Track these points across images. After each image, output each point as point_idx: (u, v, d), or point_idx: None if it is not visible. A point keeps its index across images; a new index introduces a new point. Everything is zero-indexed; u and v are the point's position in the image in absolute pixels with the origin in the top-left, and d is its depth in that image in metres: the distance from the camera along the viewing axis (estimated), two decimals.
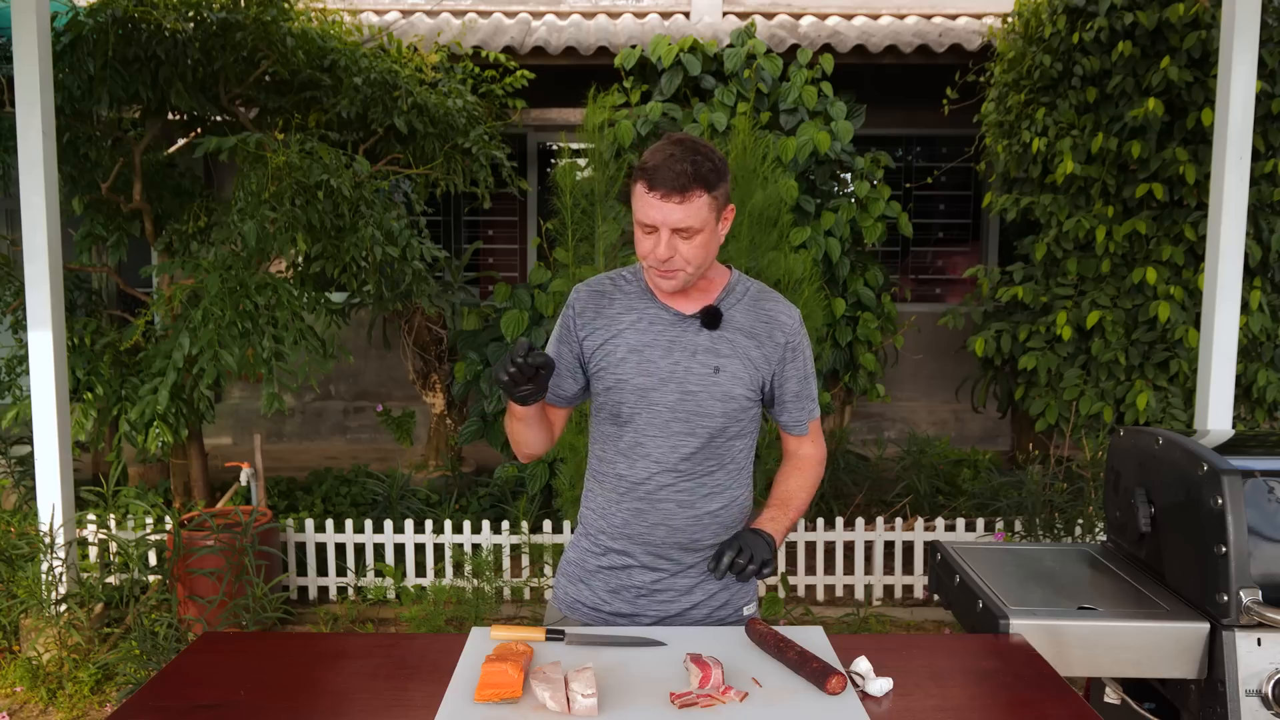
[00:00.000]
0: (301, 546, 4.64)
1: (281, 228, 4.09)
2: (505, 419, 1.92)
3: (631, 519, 1.89)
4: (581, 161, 4.60)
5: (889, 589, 4.73)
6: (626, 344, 1.86)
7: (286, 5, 4.73)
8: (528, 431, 1.87)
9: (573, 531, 2.16)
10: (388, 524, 4.64)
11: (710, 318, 1.86)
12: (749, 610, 2.00)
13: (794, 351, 1.91)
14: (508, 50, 6.03)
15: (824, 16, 7.12)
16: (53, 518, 3.86)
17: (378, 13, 7.02)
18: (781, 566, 4.68)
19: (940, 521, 4.65)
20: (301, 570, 4.64)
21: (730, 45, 5.50)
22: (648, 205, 1.75)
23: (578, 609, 1.96)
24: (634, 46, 5.59)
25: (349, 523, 4.65)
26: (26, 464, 4.92)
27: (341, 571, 4.67)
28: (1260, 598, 1.84)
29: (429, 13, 7.11)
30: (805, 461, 2.00)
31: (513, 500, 5.25)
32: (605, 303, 1.90)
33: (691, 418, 1.85)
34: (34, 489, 3.98)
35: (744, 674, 1.60)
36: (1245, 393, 4.99)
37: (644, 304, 1.89)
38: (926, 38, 6.32)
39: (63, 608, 3.78)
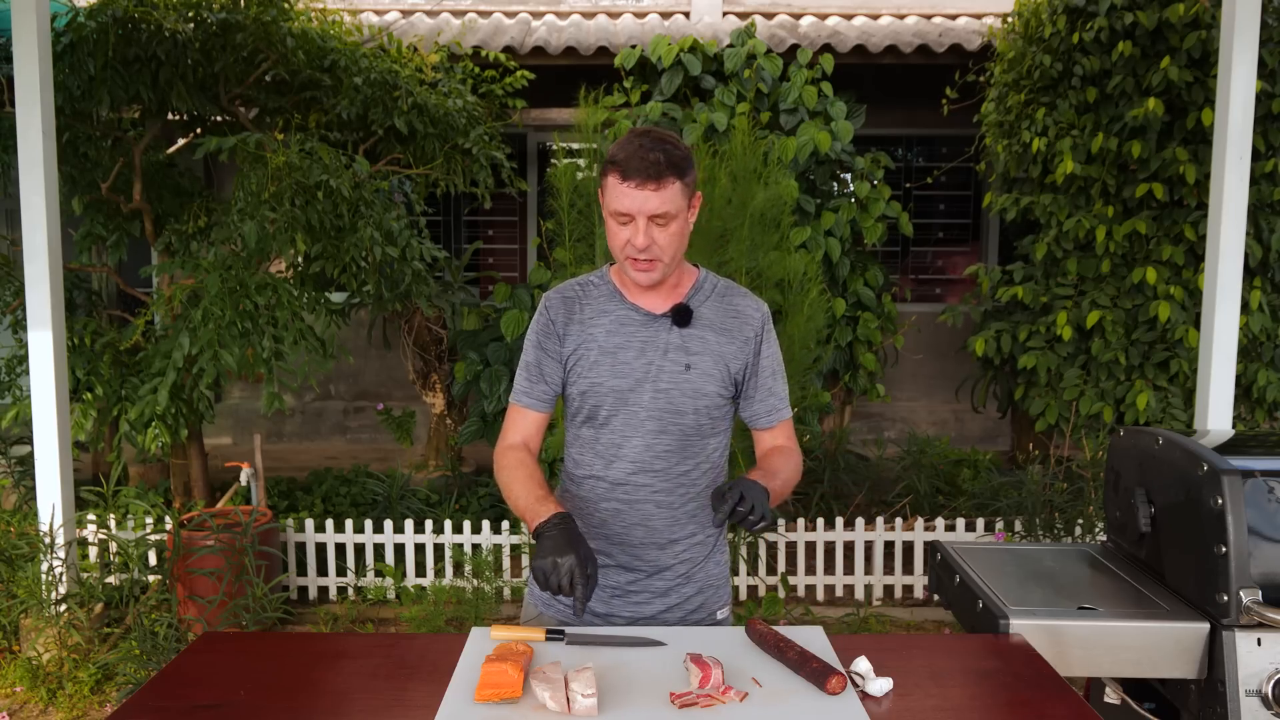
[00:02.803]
0: (301, 546, 4.64)
1: (281, 228, 4.09)
2: (502, 475, 1.87)
3: (610, 519, 1.90)
4: (580, 162, 4.60)
5: (889, 589, 4.73)
6: (599, 346, 1.87)
7: (286, 5, 4.73)
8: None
9: None
10: (388, 524, 4.64)
11: (681, 315, 1.87)
12: (722, 614, 2.00)
13: (762, 344, 1.91)
14: (508, 50, 6.03)
15: (824, 16, 7.11)
16: (53, 518, 3.86)
17: (378, 13, 7.02)
18: (781, 566, 4.68)
19: (940, 521, 4.65)
20: (301, 570, 4.64)
21: (730, 45, 5.50)
22: (622, 195, 1.75)
23: (553, 605, 1.96)
24: (634, 46, 5.59)
25: (349, 523, 4.65)
26: (26, 464, 4.92)
27: (341, 571, 4.67)
28: (1260, 598, 1.84)
29: (429, 13, 7.11)
30: (787, 452, 1.95)
31: None
32: (576, 308, 1.91)
33: (665, 416, 1.86)
34: (34, 489, 3.98)
35: (744, 674, 1.60)
36: (1245, 393, 4.99)
37: (614, 306, 1.90)
38: (926, 38, 6.32)
39: (63, 608, 3.78)
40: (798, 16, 7.13)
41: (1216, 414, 3.85)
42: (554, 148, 4.90)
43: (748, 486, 1.67)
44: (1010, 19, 5.59)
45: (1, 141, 4.52)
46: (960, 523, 4.62)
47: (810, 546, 4.89)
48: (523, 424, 1.93)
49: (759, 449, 2.01)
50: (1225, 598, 1.86)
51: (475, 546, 4.61)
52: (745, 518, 1.63)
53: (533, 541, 1.71)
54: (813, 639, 1.74)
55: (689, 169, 1.79)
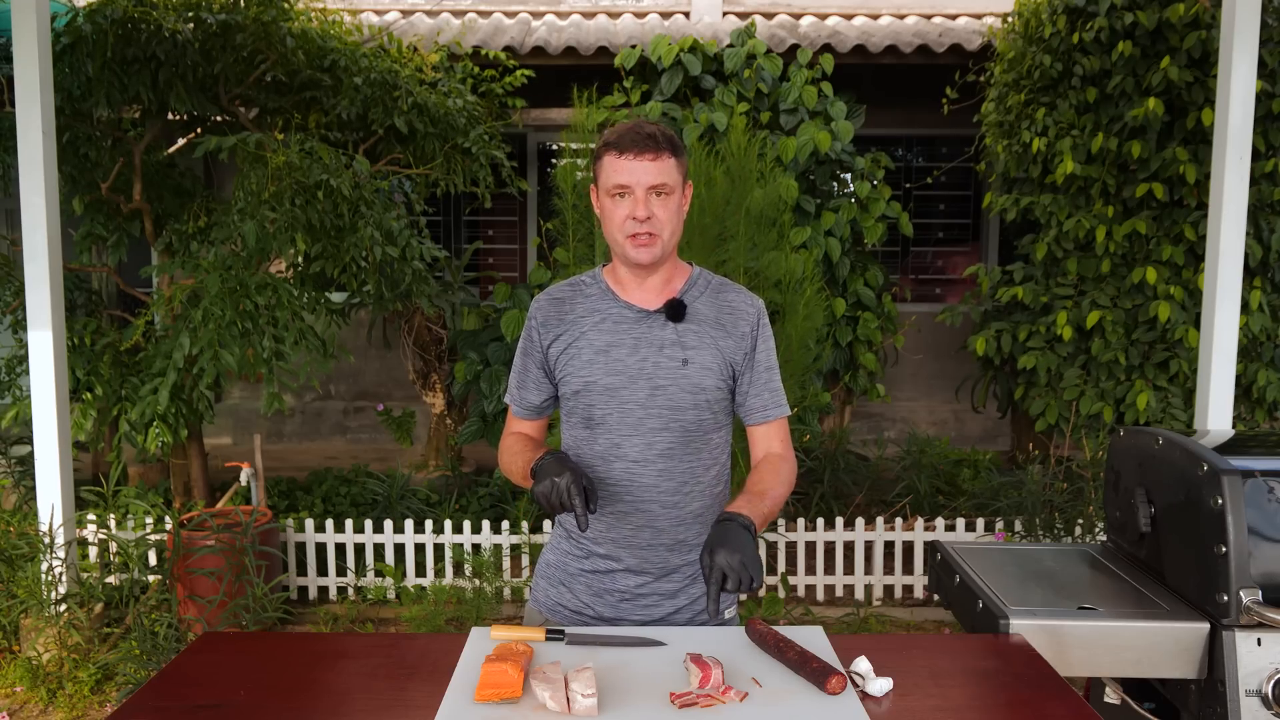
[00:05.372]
0: (301, 546, 4.64)
1: (281, 228, 4.09)
2: (504, 458, 1.95)
3: (616, 522, 1.87)
4: (580, 162, 4.60)
5: (889, 589, 4.73)
6: (592, 345, 1.85)
7: (286, 5, 4.73)
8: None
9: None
10: (388, 524, 4.64)
11: (674, 310, 1.85)
12: (729, 613, 1.99)
13: (758, 338, 1.89)
14: (508, 50, 6.03)
15: (824, 16, 7.12)
16: (52, 518, 3.86)
17: (378, 13, 7.02)
18: (781, 566, 4.68)
19: (940, 521, 4.65)
20: (301, 570, 4.64)
21: (730, 45, 5.50)
22: (620, 169, 1.77)
23: (559, 611, 1.94)
24: (634, 46, 5.59)
25: (349, 523, 4.65)
26: (26, 464, 4.92)
27: (341, 571, 4.67)
28: (1260, 598, 1.84)
29: (429, 13, 7.11)
30: (777, 461, 1.90)
31: (513, 500, 5.25)
32: (566, 308, 1.89)
33: (664, 413, 1.83)
34: (34, 489, 3.98)
35: (744, 674, 1.60)
36: (1245, 393, 4.99)
37: (606, 304, 1.88)
38: (926, 38, 6.32)
39: (63, 608, 3.78)
40: (798, 16, 7.13)
41: (1216, 414, 3.85)
42: (557, 148, 4.90)
43: (729, 556, 1.57)
44: (1010, 19, 5.59)
45: (1, 142, 4.52)
46: (960, 523, 4.62)
47: (810, 546, 4.89)
48: (519, 425, 2.00)
49: (753, 452, 1.96)
50: (1225, 598, 1.86)
51: (475, 546, 4.61)
52: (736, 590, 1.58)
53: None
54: (813, 639, 1.73)
55: (683, 151, 1.82)
